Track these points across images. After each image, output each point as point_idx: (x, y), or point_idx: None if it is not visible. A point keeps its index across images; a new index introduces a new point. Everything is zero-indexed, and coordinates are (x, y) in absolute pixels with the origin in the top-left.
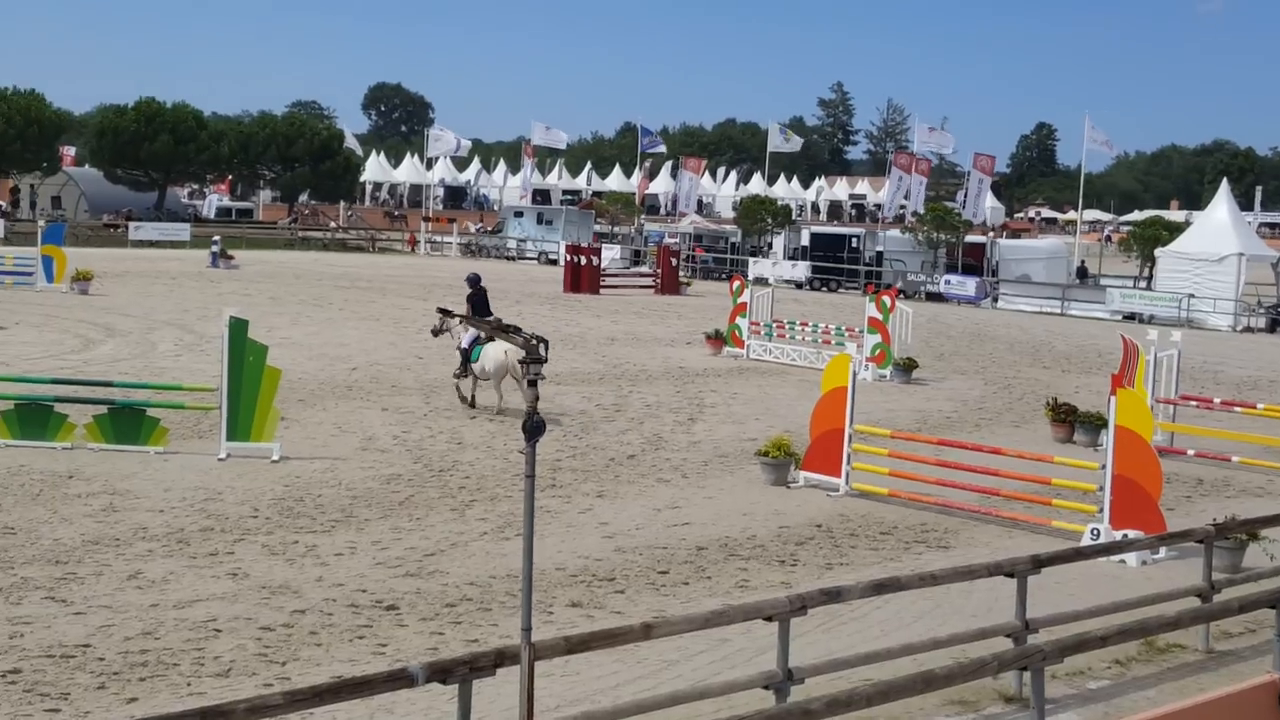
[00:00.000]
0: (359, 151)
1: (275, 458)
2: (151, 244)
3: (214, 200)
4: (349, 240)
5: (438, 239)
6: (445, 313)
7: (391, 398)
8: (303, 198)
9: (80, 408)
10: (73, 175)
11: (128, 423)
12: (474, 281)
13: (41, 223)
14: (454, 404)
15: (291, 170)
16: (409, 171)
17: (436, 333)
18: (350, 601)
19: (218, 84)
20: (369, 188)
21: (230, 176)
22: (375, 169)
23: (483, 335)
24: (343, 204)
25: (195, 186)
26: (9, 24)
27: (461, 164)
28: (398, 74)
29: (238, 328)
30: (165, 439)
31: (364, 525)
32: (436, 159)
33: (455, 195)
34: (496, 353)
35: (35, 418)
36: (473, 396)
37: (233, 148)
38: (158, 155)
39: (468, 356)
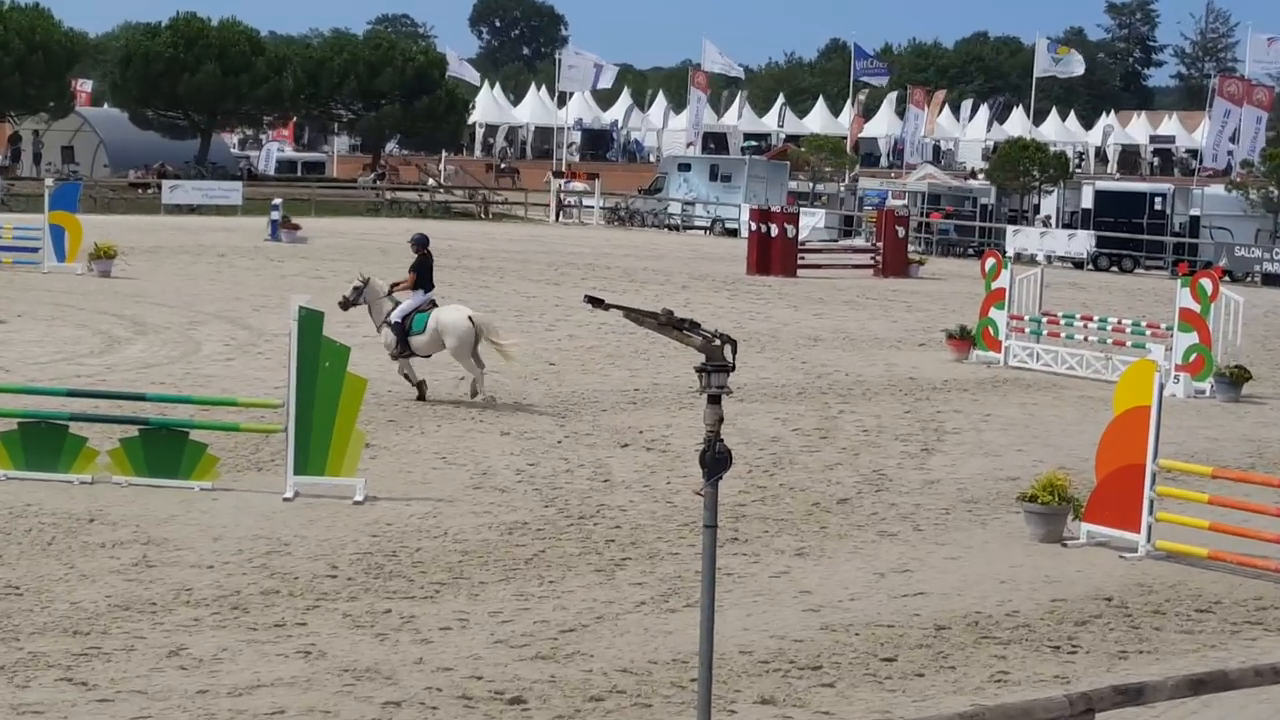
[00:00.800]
0: (475, 81)
1: (359, 498)
2: (192, 209)
3: (273, 150)
4: (452, 204)
5: (572, 202)
6: (596, 302)
7: (513, 417)
8: (390, 146)
9: (103, 429)
10: (89, 118)
11: (165, 449)
12: (422, 243)
13: (49, 181)
14: (596, 427)
15: (376, 109)
16: (534, 110)
17: (346, 305)
18: (461, 691)
19: None
20: (480, 131)
21: (295, 118)
22: (488, 107)
23: (419, 304)
24: (444, 154)
25: (249, 132)
26: None
27: (606, 100)
28: None
29: (309, 322)
30: (214, 471)
31: (479, 590)
32: (571, 93)
33: (597, 141)
34: (457, 319)
35: (45, 441)
36: (420, 383)
37: (298, 80)
38: (200, 90)
39: (404, 330)
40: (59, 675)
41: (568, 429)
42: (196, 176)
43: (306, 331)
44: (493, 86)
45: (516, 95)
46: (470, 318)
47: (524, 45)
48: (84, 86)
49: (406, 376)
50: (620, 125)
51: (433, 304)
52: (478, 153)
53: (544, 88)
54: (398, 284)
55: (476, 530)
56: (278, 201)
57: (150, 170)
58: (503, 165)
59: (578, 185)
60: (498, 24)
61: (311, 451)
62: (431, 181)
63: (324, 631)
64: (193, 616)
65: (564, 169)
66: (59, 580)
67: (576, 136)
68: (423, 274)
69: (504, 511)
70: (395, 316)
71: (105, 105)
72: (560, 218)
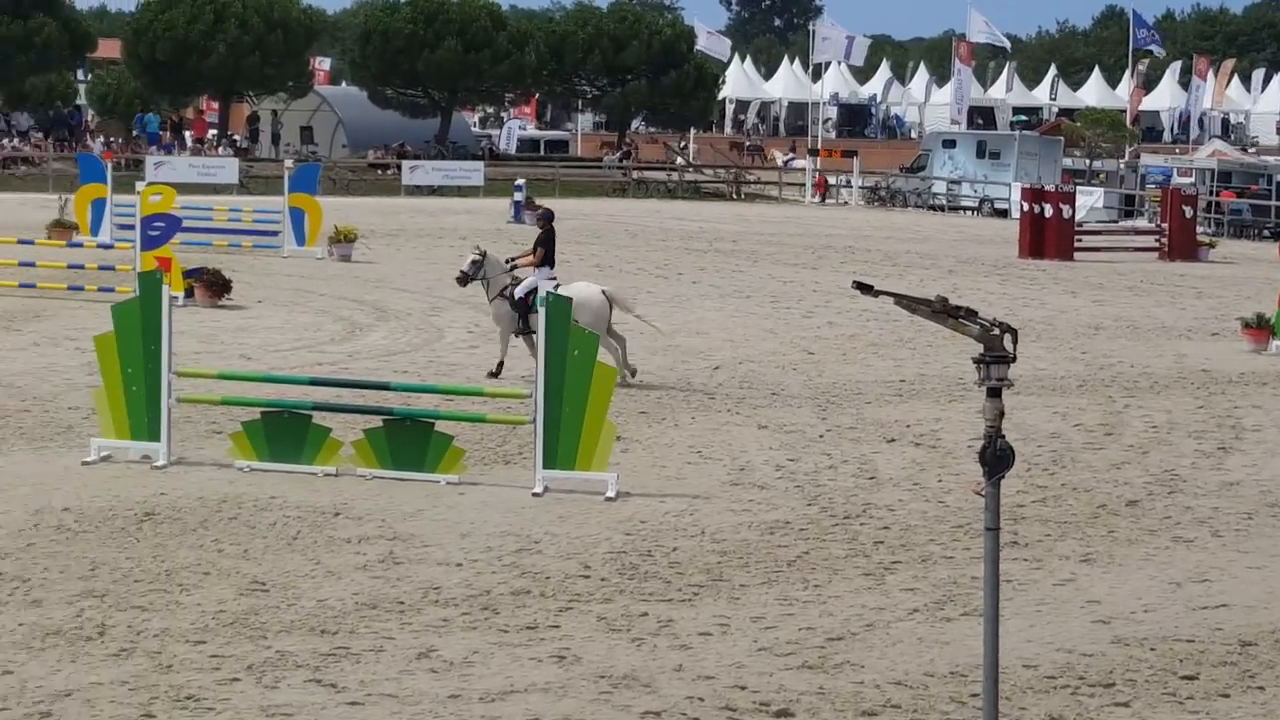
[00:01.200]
0: (724, 56)
1: (611, 493)
2: (433, 190)
3: (515, 128)
4: (702, 184)
5: (832, 181)
6: (864, 288)
7: (771, 409)
8: (636, 124)
9: (346, 419)
10: (327, 97)
11: (410, 441)
12: (548, 218)
13: (289, 163)
14: (860, 421)
15: (621, 85)
16: (787, 84)
17: (465, 280)
18: (724, 702)
19: None
20: (730, 107)
21: (537, 95)
22: (739, 81)
23: (542, 281)
24: (692, 131)
25: (490, 110)
26: None
27: (864, 73)
28: None
29: (558, 309)
30: (460, 464)
31: (739, 593)
32: (826, 65)
33: (854, 117)
34: (590, 294)
35: (288, 432)
36: (499, 365)
37: (542, 55)
38: (440, 67)
39: (528, 307)
40: (307, 676)
41: (830, 422)
42: (437, 156)
43: (555, 320)
44: (743, 60)
45: (768, 69)
46: (604, 292)
47: (776, 16)
48: (322, 65)
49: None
50: (879, 100)
51: (555, 282)
52: (728, 129)
53: (797, 61)
54: (516, 259)
55: (735, 529)
56: (521, 182)
57: (389, 150)
58: (748, 143)
59: (800, 162)
60: None
61: (561, 444)
62: (680, 160)
63: (578, 635)
64: (442, 617)
65: (793, 146)
66: (305, 576)
67: (832, 112)
68: (548, 250)
69: (764, 510)
70: (519, 291)
71: (344, 84)
72: (825, 198)
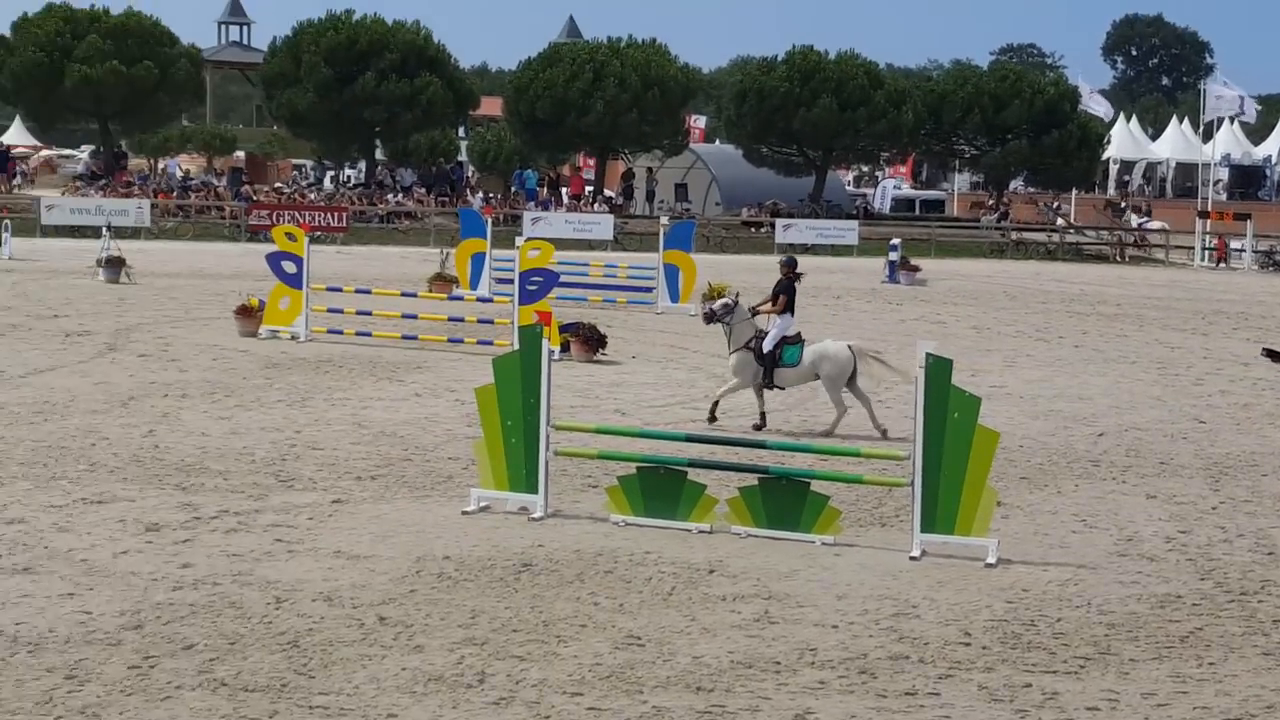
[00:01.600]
0: (1106, 116)
1: (991, 560)
2: (806, 249)
3: (889, 187)
4: (1084, 245)
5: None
6: (1276, 356)
7: (1160, 479)
8: (1015, 184)
9: (721, 476)
10: (702, 155)
11: (785, 500)
12: (791, 265)
13: (664, 220)
14: (1256, 494)
15: (1001, 145)
16: (1174, 144)
17: (710, 318)
18: None
19: (897, 27)
20: (1114, 168)
21: (914, 154)
22: (1124, 141)
23: (787, 333)
24: (1074, 192)
25: (864, 168)
26: None
27: (1258, 133)
28: (1155, 2)
29: (938, 370)
30: (836, 525)
31: (1128, 668)
32: (1218, 125)
33: (1247, 178)
34: (838, 347)
35: (664, 488)
36: (761, 415)
37: (919, 114)
38: (816, 125)
39: (775, 360)
40: None
41: (1223, 494)
42: (810, 215)
43: (935, 381)
44: (1128, 119)
45: (1155, 129)
46: (850, 347)
47: (1163, 75)
48: (698, 123)
49: (714, 404)
50: (1275, 161)
51: (799, 336)
52: (1110, 189)
53: (1186, 120)
54: (758, 306)
55: (1123, 601)
56: (896, 241)
57: (763, 208)
58: (1123, 204)
59: (1154, 224)
60: (1134, 53)
61: (939, 508)
62: (1061, 221)
63: (959, 703)
64: (818, 679)
65: (1143, 204)
66: (680, 633)
67: (1223, 173)
68: (790, 298)
69: (1154, 582)
70: (767, 345)
71: (718, 141)
72: (1222, 263)
